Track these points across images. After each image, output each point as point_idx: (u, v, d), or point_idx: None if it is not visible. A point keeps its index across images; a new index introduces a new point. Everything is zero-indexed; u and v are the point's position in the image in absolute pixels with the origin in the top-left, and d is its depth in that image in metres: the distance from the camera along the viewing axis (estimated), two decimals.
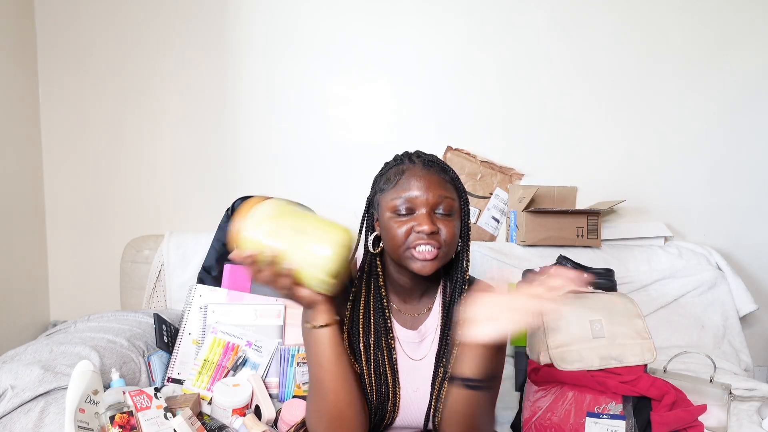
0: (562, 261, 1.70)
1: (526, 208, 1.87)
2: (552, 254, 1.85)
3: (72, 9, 1.95)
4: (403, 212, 0.95)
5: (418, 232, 0.93)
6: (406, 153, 1.03)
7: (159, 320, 1.45)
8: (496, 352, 0.89)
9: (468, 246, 1.02)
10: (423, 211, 0.94)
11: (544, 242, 1.89)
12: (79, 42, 1.97)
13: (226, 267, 1.59)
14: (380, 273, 1.04)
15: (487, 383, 0.89)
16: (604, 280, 1.65)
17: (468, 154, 2.03)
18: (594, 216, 1.90)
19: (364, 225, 1.06)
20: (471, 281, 1.06)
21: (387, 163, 1.04)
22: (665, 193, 2.07)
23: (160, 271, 1.82)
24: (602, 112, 2.05)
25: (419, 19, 2.00)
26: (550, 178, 2.04)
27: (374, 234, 1.03)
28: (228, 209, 1.73)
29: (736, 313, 1.86)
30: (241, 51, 1.99)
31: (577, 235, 1.90)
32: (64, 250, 2.06)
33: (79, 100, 1.99)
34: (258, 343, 1.39)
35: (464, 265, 1.02)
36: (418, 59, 2.02)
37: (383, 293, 1.04)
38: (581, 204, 2.03)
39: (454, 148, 2.03)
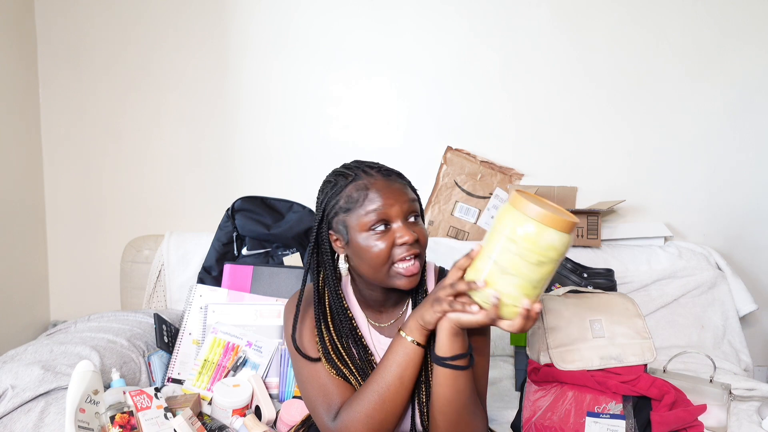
0: (562, 261, 1.70)
1: None
2: None
3: (72, 9, 1.96)
4: (379, 228, 0.93)
5: (401, 244, 0.92)
6: (356, 165, 1.00)
7: (159, 320, 1.45)
8: (455, 333, 0.88)
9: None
10: (399, 222, 0.94)
11: None
12: (79, 42, 1.97)
13: (226, 267, 1.59)
14: (342, 296, 1.03)
15: (457, 361, 0.88)
16: (604, 280, 1.65)
17: (468, 154, 2.03)
18: (594, 216, 1.90)
19: (316, 251, 1.02)
20: (443, 272, 1.09)
21: (332, 181, 1.00)
22: (665, 193, 2.07)
23: (160, 271, 1.83)
24: (602, 112, 2.05)
25: (420, 18, 2.00)
26: (550, 178, 2.04)
27: (338, 255, 1.01)
28: (228, 209, 1.73)
29: (736, 313, 1.86)
30: (240, 49, 1.99)
31: (577, 235, 1.90)
32: (64, 250, 2.06)
33: (79, 99, 1.99)
34: (258, 343, 1.39)
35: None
36: (418, 59, 2.02)
37: (350, 315, 1.03)
38: (581, 204, 2.03)
39: (454, 148, 2.03)
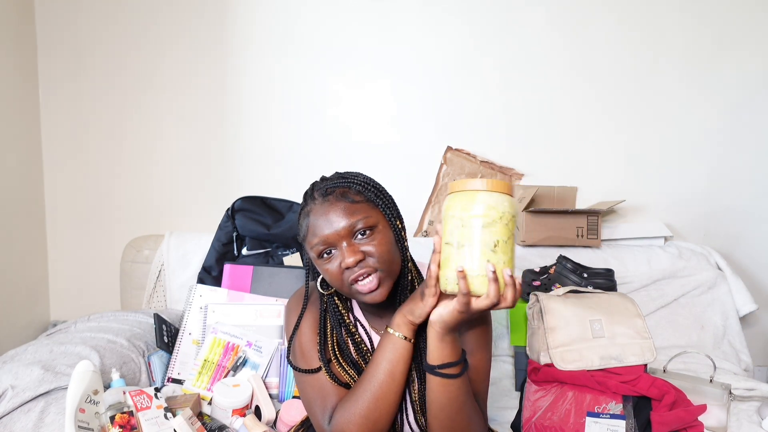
0: (562, 261, 1.70)
1: (526, 208, 1.87)
2: (552, 254, 1.85)
3: (72, 9, 1.96)
4: (328, 253, 0.93)
5: (346, 268, 0.91)
6: (310, 189, 0.98)
7: (159, 320, 1.45)
8: (440, 337, 0.87)
9: (407, 250, 0.99)
10: (343, 245, 0.91)
11: (544, 242, 1.89)
12: (79, 42, 1.97)
13: (226, 267, 1.59)
14: (342, 311, 1.03)
15: (447, 369, 0.88)
16: (604, 280, 1.65)
17: (468, 154, 2.03)
18: (594, 216, 1.90)
19: (309, 270, 1.04)
20: None
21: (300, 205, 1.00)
22: (665, 193, 2.07)
23: (160, 271, 1.82)
24: (602, 112, 2.05)
25: (419, 19, 2.00)
26: (550, 178, 2.04)
27: (321, 276, 1.01)
28: (228, 209, 1.73)
29: (736, 313, 1.86)
30: (241, 51, 1.99)
31: (577, 235, 1.90)
32: (64, 250, 2.06)
33: (79, 100, 1.99)
34: (258, 343, 1.39)
35: (410, 270, 0.99)
36: (418, 59, 2.02)
37: (353, 330, 1.02)
38: (581, 204, 2.03)
39: (454, 148, 2.03)
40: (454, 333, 0.88)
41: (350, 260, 0.89)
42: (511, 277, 0.79)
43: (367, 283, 0.91)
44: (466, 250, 0.80)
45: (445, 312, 0.85)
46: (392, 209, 0.97)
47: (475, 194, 0.81)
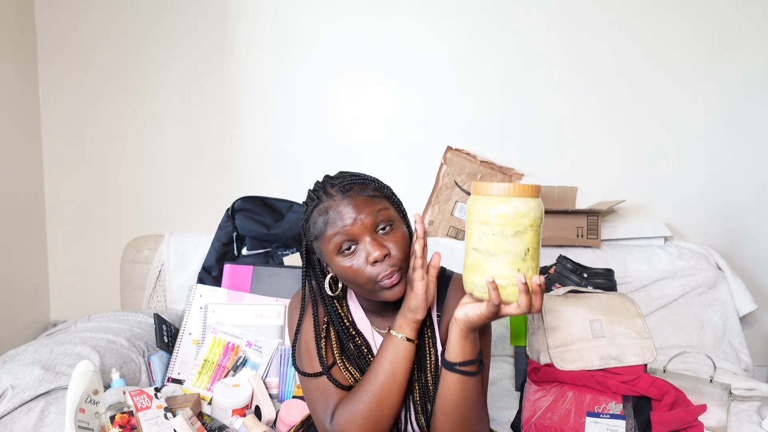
0: (562, 261, 1.70)
1: None
2: (552, 254, 1.85)
3: (72, 9, 1.95)
4: (348, 248, 0.90)
5: (374, 263, 0.89)
6: (321, 186, 0.96)
7: (159, 320, 1.45)
8: (465, 335, 0.87)
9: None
10: (366, 238, 0.90)
11: (544, 242, 1.88)
12: (79, 42, 1.97)
13: (226, 267, 1.59)
14: (341, 314, 1.02)
15: (468, 366, 0.88)
16: (604, 280, 1.65)
17: (468, 154, 2.03)
18: (594, 216, 1.90)
19: (308, 275, 1.02)
20: (448, 275, 1.07)
21: (304, 206, 0.97)
22: (665, 193, 2.07)
23: (160, 271, 1.82)
24: (602, 112, 2.05)
25: (420, 19, 2.00)
26: (550, 178, 2.04)
27: (329, 276, 0.99)
28: (228, 209, 1.73)
29: (736, 313, 1.86)
30: (242, 52, 1.99)
31: (577, 235, 1.90)
32: (64, 250, 2.06)
33: (79, 100, 1.99)
34: (258, 343, 1.39)
35: None
36: (418, 60, 2.02)
37: (353, 332, 1.02)
38: (581, 204, 2.03)
39: (454, 148, 2.03)
40: (476, 332, 0.89)
41: (377, 254, 0.88)
42: (539, 285, 0.79)
43: (392, 279, 0.90)
44: (497, 259, 0.79)
45: (471, 313, 0.85)
46: (403, 208, 0.99)
47: (507, 200, 0.78)
